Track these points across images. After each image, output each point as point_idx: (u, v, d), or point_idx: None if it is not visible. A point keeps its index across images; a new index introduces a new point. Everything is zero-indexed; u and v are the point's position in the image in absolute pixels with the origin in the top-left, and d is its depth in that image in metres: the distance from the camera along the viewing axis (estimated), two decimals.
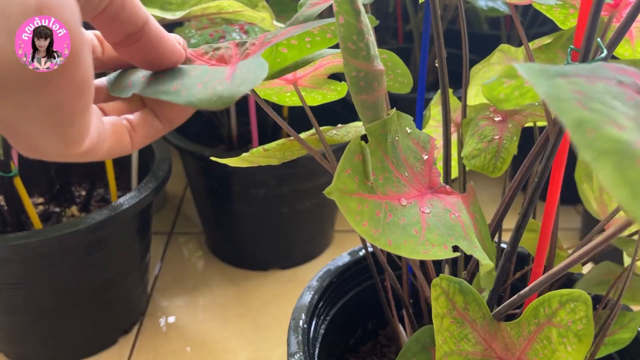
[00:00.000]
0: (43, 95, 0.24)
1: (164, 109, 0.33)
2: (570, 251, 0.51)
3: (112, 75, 0.34)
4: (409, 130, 0.38)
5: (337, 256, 1.06)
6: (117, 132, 0.30)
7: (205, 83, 0.27)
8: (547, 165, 0.36)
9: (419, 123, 0.55)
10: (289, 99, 0.49)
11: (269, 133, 1.08)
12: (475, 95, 0.54)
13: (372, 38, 0.30)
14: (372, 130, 0.32)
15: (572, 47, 0.35)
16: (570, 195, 0.60)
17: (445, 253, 0.29)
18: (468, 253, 0.30)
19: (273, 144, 0.45)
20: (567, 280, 0.53)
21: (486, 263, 0.30)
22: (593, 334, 0.31)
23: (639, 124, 0.17)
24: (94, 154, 0.29)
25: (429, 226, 0.29)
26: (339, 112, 1.04)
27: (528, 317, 0.34)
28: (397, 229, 0.28)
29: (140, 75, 0.32)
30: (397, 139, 0.35)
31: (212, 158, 0.48)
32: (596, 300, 0.51)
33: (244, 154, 0.45)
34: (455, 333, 0.35)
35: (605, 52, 0.35)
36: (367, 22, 0.30)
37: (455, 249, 0.29)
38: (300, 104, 0.46)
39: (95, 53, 0.33)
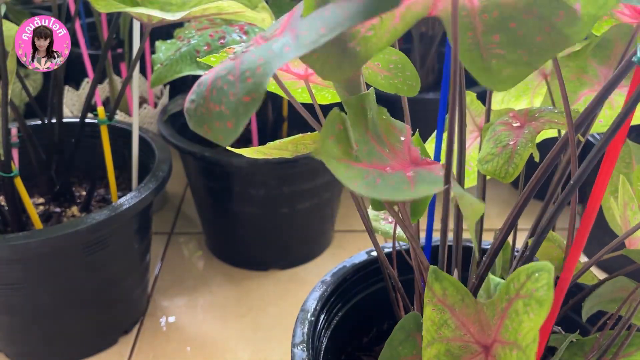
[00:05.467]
0: None
1: None
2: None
3: None
4: (384, 117, 0.39)
5: (337, 256, 1.06)
6: None
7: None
8: (584, 171, 0.35)
9: (441, 126, 0.53)
10: (300, 95, 0.49)
11: (269, 133, 1.08)
12: (501, 101, 0.54)
13: None
14: (350, 103, 0.32)
15: None
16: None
17: (433, 191, 0.31)
18: (456, 193, 0.31)
19: (288, 139, 0.46)
20: (577, 290, 0.52)
21: (458, 193, 0.32)
22: (552, 299, 0.32)
23: None
24: None
25: (417, 183, 0.31)
26: None
27: (501, 294, 0.35)
28: (387, 188, 0.29)
29: None
30: (376, 119, 0.36)
31: (229, 148, 0.48)
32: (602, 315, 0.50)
33: (260, 146, 0.46)
34: (436, 320, 0.36)
35: None
36: None
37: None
38: (310, 101, 0.46)
39: None
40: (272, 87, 0.48)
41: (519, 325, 0.33)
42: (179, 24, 0.86)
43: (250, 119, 1.05)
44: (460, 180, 0.48)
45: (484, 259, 0.45)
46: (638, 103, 0.32)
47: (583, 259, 0.52)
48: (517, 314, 0.33)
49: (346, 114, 0.34)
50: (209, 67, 0.85)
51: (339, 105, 0.41)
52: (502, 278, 0.41)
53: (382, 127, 0.37)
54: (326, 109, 0.49)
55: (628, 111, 0.32)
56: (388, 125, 0.38)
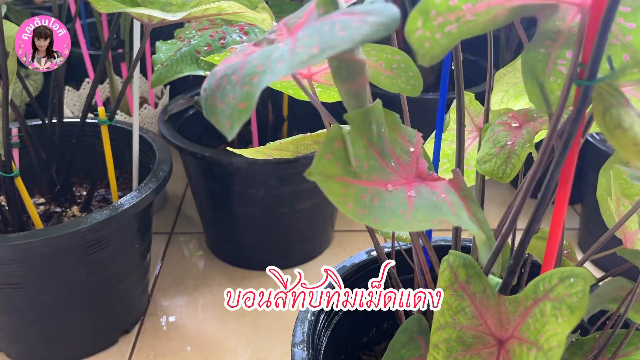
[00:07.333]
0: None
1: None
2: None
3: None
4: (394, 125, 0.39)
5: (337, 256, 1.06)
6: None
7: (346, 28, 0.26)
8: (554, 172, 0.35)
9: (440, 126, 0.54)
10: (302, 95, 0.49)
11: (269, 133, 1.08)
12: (500, 101, 0.54)
13: None
14: (353, 119, 0.32)
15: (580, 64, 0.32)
16: (570, 196, 0.59)
17: (431, 225, 0.30)
18: (456, 225, 0.30)
19: (288, 139, 0.46)
20: None
21: (477, 233, 0.31)
22: (586, 308, 0.31)
23: None
24: None
25: (415, 207, 0.30)
26: (338, 112, 1.04)
27: (527, 292, 0.34)
28: (383, 210, 0.29)
29: None
30: (383, 130, 0.35)
31: (229, 149, 0.48)
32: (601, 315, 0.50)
33: (260, 147, 0.46)
34: (453, 305, 0.36)
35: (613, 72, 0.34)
36: None
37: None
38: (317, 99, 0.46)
39: None
40: (278, 85, 0.48)
41: (542, 326, 0.32)
42: (179, 24, 0.87)
43: (250, 118, 1.05)
44: None
45: None
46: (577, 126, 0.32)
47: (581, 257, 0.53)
48: (543, 315, 0.32)
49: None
50: (210, 68, 0.85)
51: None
52: (501, 278, 0.40)
53: (389, 138, 0.36)
54: (331, 106, 0.49)
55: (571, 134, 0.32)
56: (396, 135, 0.38)
